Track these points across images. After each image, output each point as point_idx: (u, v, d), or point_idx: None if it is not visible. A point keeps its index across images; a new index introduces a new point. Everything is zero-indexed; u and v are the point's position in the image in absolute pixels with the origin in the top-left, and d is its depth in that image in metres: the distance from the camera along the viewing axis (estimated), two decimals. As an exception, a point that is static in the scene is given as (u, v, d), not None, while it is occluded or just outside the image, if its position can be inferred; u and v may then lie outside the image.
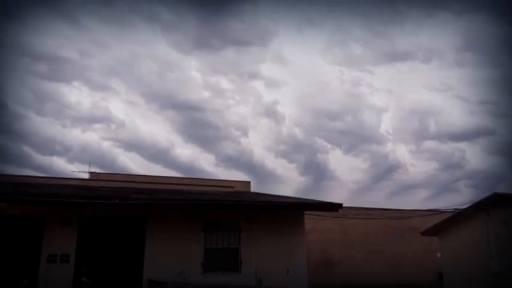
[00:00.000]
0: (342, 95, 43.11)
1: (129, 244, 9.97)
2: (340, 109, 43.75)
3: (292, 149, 45.75)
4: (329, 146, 45.90)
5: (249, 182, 16.15)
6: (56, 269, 9.13)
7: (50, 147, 39.89)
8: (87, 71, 38.29)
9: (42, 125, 39.74)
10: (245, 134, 45.88)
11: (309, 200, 12.08)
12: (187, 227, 10.39)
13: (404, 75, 45.28)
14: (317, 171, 44.51)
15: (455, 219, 15.73)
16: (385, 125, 48.09)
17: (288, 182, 43.83)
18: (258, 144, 47.80)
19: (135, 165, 41.12)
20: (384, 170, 44.93)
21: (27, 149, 39.53)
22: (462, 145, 46.61)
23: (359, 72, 44.29)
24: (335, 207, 10.86)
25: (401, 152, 48.14)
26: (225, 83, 44.89)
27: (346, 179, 46.26)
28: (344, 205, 10.99)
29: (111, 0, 35.88)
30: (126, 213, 9.86)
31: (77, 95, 40.26)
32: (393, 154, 45.57)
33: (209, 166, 43.45)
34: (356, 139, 45.40)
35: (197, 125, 42.59)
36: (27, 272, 8.84)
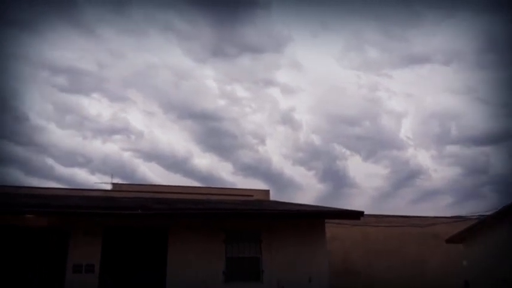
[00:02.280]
0: (359, 100, 42.57)
1: (152, 253, 10.09)
2: (358, 114, 43.19)
3: (310, 156, 45.39)
4: (348, 152, 45.27)
5: (268, 191, 16.11)
6: (81, 279, 9.27)
7: (71, 158, 40.66)
8: (105, 82, 39.07)
9: (63, 137, 40.62)
10: (262, 142, 45.82)
11: (330, 208, 11.98)
12: (208, 236, 10.44)
13: (424, 78, 44.38)
14: (336, 178, 43.92)
15: (481, 225, 15.33)
16: (405, 129, 47.16)
17: (306, 189, 43.42)
18: (275, 152, 47.60)
19: (155, 175, 41.48)
20: (405, 176, 44.02)
21: (49, 161, 40.45)
22: (486, 149, 45.34)
23: (376, 77, 43.66)
24: (357, 215, 10.74)
25: (423, 158, 47.05)
26: (241, 91, 45.05)
27: (366, 186, 45.51)
28: (365, 213, 10.88)
29: (126, 10, 36.61)
30: (149, 223, 9.97)
31: (96, 107, 41.03)
32: (414, 160, 44.61)
33: (227, 175, 43.46)
34: (375, 145, 44.71)
35: (214, 134, 42.79)
36: (53, 283, 9.04)
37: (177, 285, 9.70)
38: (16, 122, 35.67)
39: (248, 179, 44.12)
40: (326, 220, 11.34)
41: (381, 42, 40.29)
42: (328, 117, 44.11)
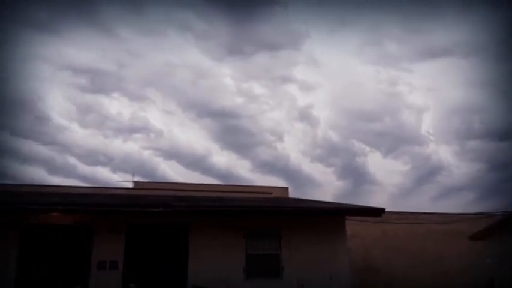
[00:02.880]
0: (378, 95, 41.91)
1: (174, 250, 10.21)
2: (377, 110, 42.53)
3: (328, 153, 45.05)
4: (367, 148, 44.68)
5: (286, 188, 16.12)
6: (105, 276, 9.48)
7: (93, 157, 41.51)
8: (125, 82, 39.67)
9: (85, 136, 41.48)
10: (280, 139, 45.70)
11: (351, 205, 11.91)
12: (229, 233, 10.52)
13: (445, 71, 43.43)
14: (356, 175, 43.44)
15: (505, 222, 15.00)
16: (426, 125, 46.19)
17: (325, 186, 43.14)
18: (293, 149, 47.44)
19: (175, 173, 41.90)
20: (427, 173, 43.18)
21: (72, 160, 41.32)
22: (509, 144, 44.14)
23: (396, 71, 42.83)
24: (378, 212, 10.65)
25: (445, 153, 46.10)
26: (258, 89, 45.01)
27: (386, 183, 44.88)
28: (386, 210, 10.77)
29: (145, 10, 37.05)
30: (170, 221, 10.10)
31: (116, 106, 41.74)
32: (436, 155, 43.68)
33: (246, 172, 43.57)
34: (395, 141, 44.00)
35: (232, 131, 42.96)
36: (79, 279, 9.26)
37: (198, 281, 9.79)
38: (39, 122, 36.62)
39: (266, 176, 44.19)
40: (346, 217, 11.28)
41: (399, 36, 39.66)
42: (347, 113, 43.73)
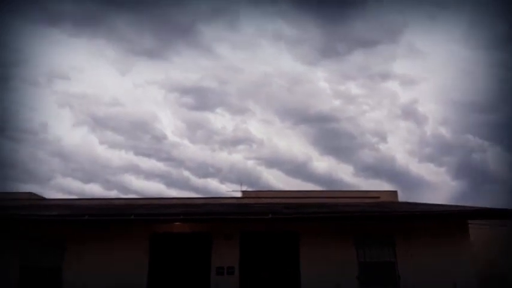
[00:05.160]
0: (493, 82, 37.56)
1: (285, 256, 10.38)
2: (493, 99, 38.04)
3: (439, 151, 41.56)
4: (486, 143, 40.16)
5: (395, 192, 15.28)
6: (224, 281, 10.00)
7: (203, 170, 44.53)
8: (226, 97, 42.03)
9: (196, 150, 44.75)
10: (383, 139, 43.57)
11: (474, 207, 10.87)
12: (339, 240, 10.37)
13: None
14: (474, 173, 39.22)
15: None
16: (560, 111, 39.99)
17: (438, 188, 39.84)
18: (398, 149, 44.90)
19: (277, 180, 42.81)
20: None
21: (186, 173, 44.80)
22: None
23: (512, 53, 37.84)
24: (508, 214, 9.53)
25: None
26: (355, 89, 43.68)
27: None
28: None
29: (238, 26, 38.89)
30: (279, 227, 10.30)
31: (220, 121, 44.50)
32: None
33: (348, 177, 42.44)
34: (520, 132, 38.66)
35: (331, 136, 42.41)
36: (200, 284, 9.92)
37: (311, 287, 9.83)
38: (156, 140, 40.61)
39: (370, 180, 42.55)
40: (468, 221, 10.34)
41: (512, 13, 35.19)
42: (458, 105, 40.08)
